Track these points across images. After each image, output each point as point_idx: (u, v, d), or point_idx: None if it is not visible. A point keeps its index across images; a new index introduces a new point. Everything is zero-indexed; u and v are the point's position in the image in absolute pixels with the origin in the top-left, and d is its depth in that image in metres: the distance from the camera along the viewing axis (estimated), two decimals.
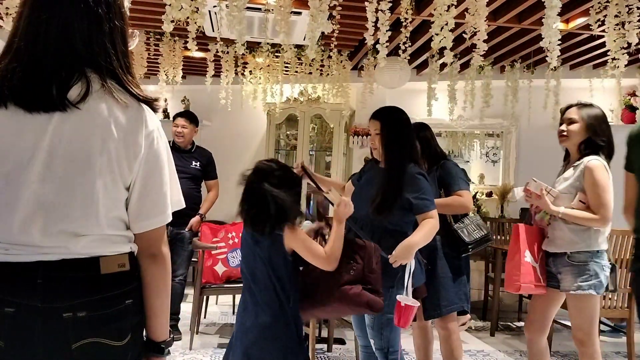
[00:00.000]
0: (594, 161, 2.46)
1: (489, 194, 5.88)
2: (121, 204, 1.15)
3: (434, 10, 2.89)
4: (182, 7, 2.72)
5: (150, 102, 1.19)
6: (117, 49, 1.16)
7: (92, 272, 1.10)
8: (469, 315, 3.04)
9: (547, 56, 2.66)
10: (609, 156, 2.54)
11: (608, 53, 3.20)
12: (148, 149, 1.15)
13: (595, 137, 2.52)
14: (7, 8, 2.84)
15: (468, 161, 6.14)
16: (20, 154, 1.07)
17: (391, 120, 2.50)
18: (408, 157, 2.47)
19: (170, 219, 1.22)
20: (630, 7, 2.99)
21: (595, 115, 2.55)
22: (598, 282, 2.44)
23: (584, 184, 2.47)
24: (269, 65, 4.98)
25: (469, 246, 2.84)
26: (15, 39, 1.12)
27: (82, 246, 1.09)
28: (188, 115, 4.22)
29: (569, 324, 4.09)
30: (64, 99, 1.09)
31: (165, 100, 6.12)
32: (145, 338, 1.22)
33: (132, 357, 1.16)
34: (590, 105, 2.61)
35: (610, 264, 2.53)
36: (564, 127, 2.59)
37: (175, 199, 1.23)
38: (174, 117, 4.21)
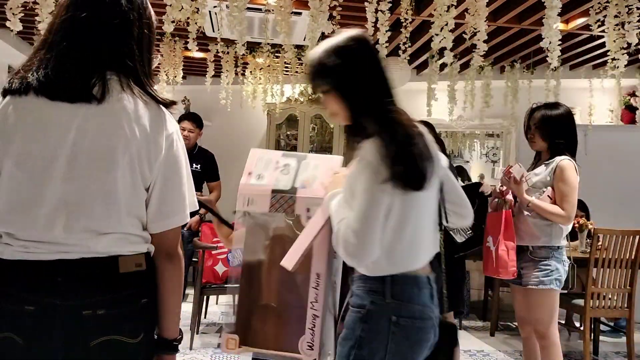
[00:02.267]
0: (566, 161, 2.57)
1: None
2: (141, 204, 1.17)
3: (434, 10, 2.90)
4: (182, 8, 2.72)
5: (169, 105, 1.22)
6: (144, 55, 1.21)
7: (111, 271, 1.12)
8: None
9: (547, 56, 2.67)
10: (572, 154, 2.64)
11: (608, 53, 3.20)
12: (168, 150, 1.18)
13: (557, 141, 2.63)
14: (11, 8, 2.84)
15: (468, 161, 6.15)
16: (45, 150, 1.10)
17: None
18: None
19: (188, 219, 1.24)
20: (630, 7, 2.99)
21: (551, 118, 2.64)
22: (559, 277, 2.56)
23: (553, 180, 2.58)
24: (269, 66, 4.98)
25: (460, 248, 2.86)
26: (50, 34, 1.17)
27: (103, 245, 1.11)
28: (195, 119, 4.20)
29: (564, 322, 4.10)
30: (89, 91, 1.11)
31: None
32: (156, 337, 1.24)
33: (144, 354, 1.19)
34: (551, 107, 2.68)
35: (569, 262, 2.64)
36: (532, 133, 2.70)
37: (190, 200, 1.25)
38: (180, 119, 4.19)
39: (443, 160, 1.50)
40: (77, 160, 1.10)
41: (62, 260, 1.08)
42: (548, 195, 2.58)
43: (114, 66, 1.16)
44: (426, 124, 3.05)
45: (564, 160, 2.57)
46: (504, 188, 2.71)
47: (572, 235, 3.69)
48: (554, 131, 2.63)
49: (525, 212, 2.61)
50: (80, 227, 1.10)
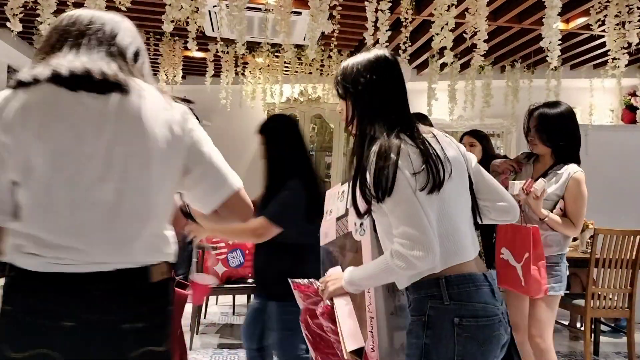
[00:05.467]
0: (579, 173, 2.48)
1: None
2: (171, 200, 1.19)
3: (434, 10, 2.90)
4: (182, 7, 2.72)
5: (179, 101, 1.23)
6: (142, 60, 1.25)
7: (145, 282, 1.11)
8: None
9: (547, 56, 2.66)
10: (577, 157, 2.55)
11: (608, 53, 3.20)
12: (192, 137, 1.17)
13: (560, 143, 2.51)
14: (11, 9, 2.83)
15: None
16: (80, 149, 1.05)
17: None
18: None
19: (235, 186, 1.21)
20: (630, 7, 2.99)
21: (552, 119, 2.51)
22: (564, 282, 2.55)
23: (565, 192, 2.50)
24: (269, 65, 4.98)
25: None
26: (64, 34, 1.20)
27: (137, 253, 1.09)
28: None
29: (567, 323, 4.09)
30: (109, 81, 1.08)
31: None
32: None
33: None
34: (550, 106, 2.56)
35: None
36: (531, 135, 2.58)
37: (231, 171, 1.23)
38: None
39: (472, 158, 1.50)
40: (113, 159, 1.06)
41: (98, 273, 1.05)
42: (560, 208, 2.53)
43: (127, 66, 1.15)
44: (422, 115, 3.02)
45: (577, 173, 2.48)
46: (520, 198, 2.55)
47: None
48: (555, 133, 2.51)
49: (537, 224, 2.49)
50: (117, 229, 1.07)
